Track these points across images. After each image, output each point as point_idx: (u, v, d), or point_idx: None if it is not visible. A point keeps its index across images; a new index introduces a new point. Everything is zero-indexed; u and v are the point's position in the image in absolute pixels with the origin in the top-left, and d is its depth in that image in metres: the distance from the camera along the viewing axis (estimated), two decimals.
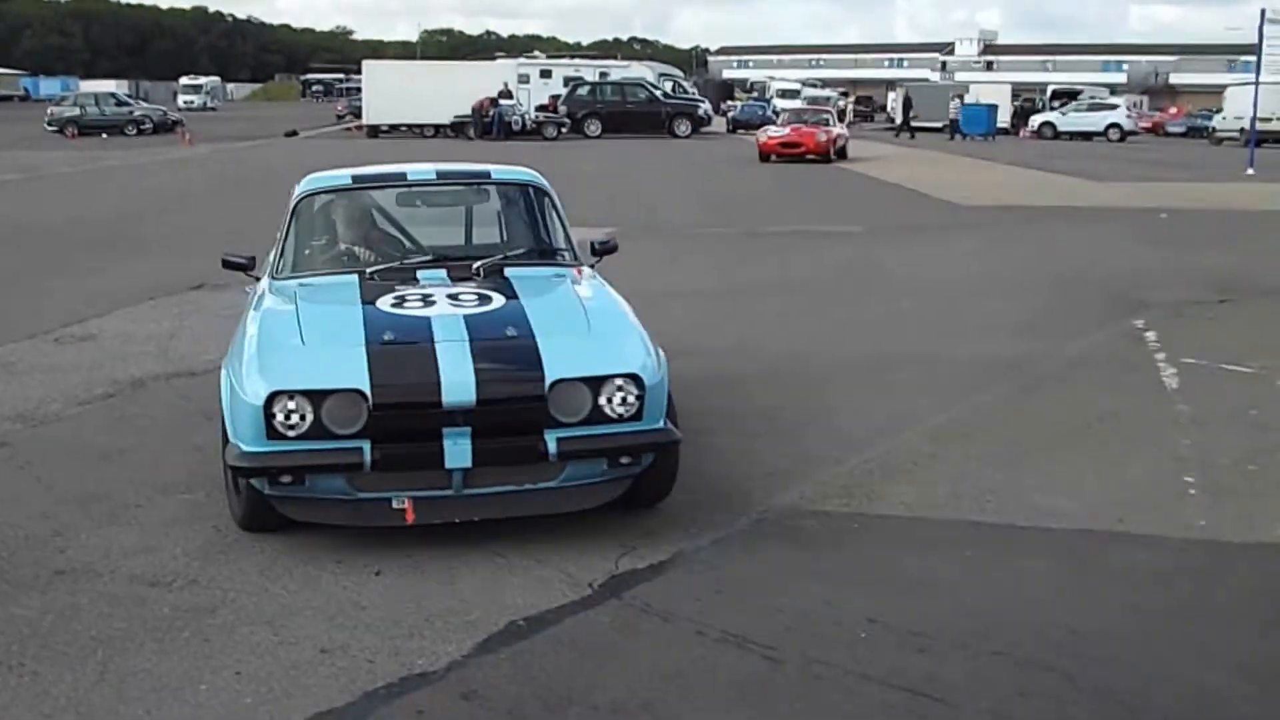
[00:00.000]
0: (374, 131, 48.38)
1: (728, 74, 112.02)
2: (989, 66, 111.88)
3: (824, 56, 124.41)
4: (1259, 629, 4.98)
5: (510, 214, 7.54)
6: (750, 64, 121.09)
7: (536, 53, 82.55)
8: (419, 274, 6.55)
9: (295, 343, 5.78)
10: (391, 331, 5.73)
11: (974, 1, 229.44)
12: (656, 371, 5.73)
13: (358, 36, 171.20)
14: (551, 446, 5.48)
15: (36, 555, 5.64)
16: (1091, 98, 61.83)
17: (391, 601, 5.17)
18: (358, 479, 5.47)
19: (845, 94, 74.79)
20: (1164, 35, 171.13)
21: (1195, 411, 8.21)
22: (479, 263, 6.69)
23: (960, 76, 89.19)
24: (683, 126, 48.58)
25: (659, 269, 14.29)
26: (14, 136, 46.81)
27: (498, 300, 6.14)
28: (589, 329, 5.95)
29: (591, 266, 7.22)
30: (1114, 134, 55.11)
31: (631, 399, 5.56)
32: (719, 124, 57.54)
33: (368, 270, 6.62)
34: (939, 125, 55.25)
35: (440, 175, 7.54)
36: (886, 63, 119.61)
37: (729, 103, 68.51)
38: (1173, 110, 70.05)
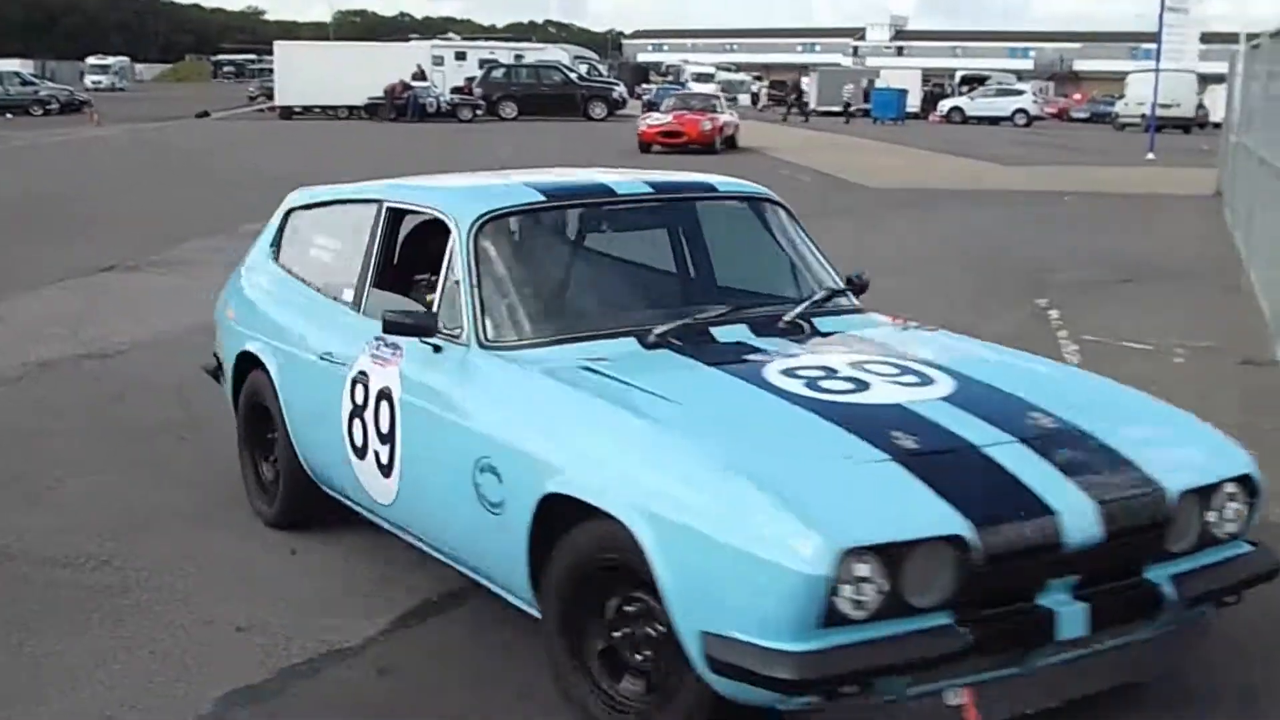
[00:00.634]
0: (287, 113, 47.94)
1: (643, 57, 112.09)
2: (899, 52, 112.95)
3: (738, 41, 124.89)
4: None
5: (750, 239, 5.60)
6: (665, 48, 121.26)
7: (451, 35, 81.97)
8: (713, 330, 4.74)
9: (778, 465, 3.65)
10: (902, 433, 3.88)
11: None
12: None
13: (270, 17, 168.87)
14: (1167, 589, 3.83)
15: None
16: (999, 84, 62.68)
17: (310, 579, 5.23)
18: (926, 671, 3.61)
19: (759, 78, 75.21)
20: (1069, 23, 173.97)
21: None
22: (791, 313, 4.93)
23: (871, 61, 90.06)
24: (598, 109, 48.61)
25: None
26: None
27: (934, 372, 4.42)
28: (1130, 415, 4.29)
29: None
30: (1020, 119, 55.95)
31: (1243, 510, 4.03)
32: (635, 107, 57.71)
33: (653, 332, 4.60)
34: (852, 110, 55.86)
35: (655, 188, 5.41)
36: (800, 47, 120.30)
37: (644, 86, 68.63)
38: (1077, 96, 71.22)
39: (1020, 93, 59.76)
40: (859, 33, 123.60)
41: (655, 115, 34.27)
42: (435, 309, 4.79)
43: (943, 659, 3.53)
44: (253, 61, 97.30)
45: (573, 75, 51.23)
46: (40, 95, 52.41)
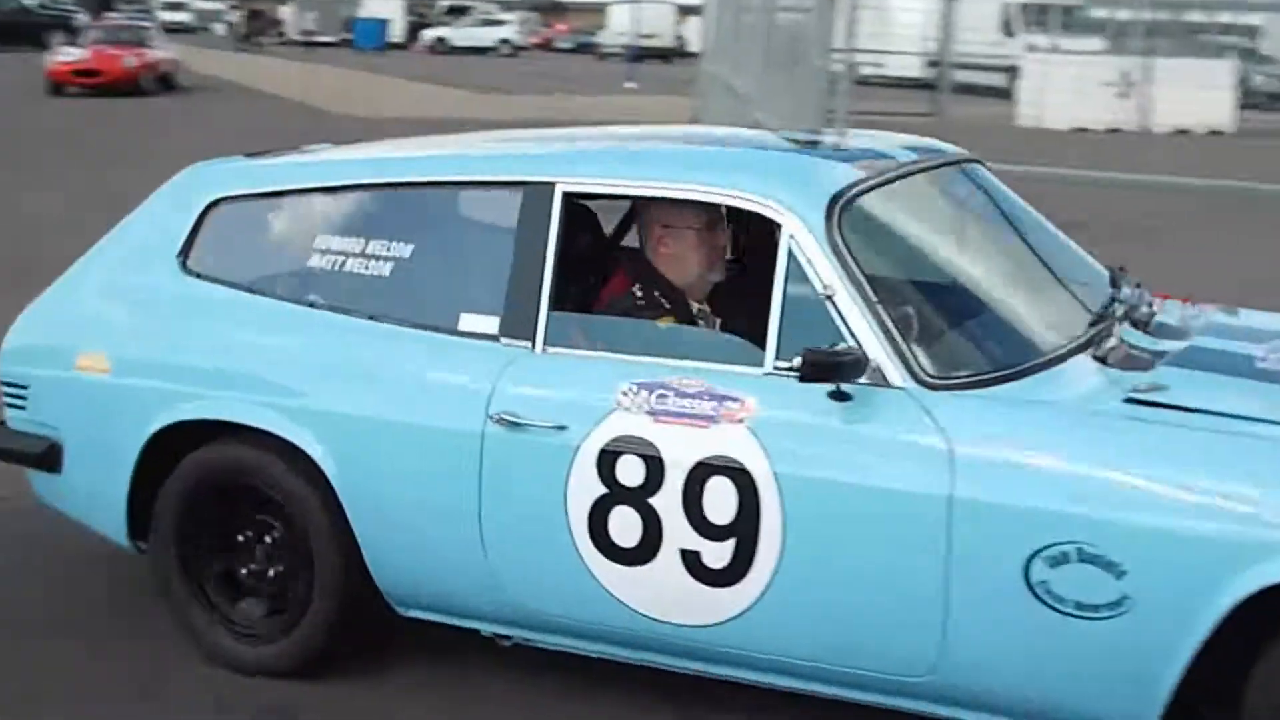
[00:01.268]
0: None
1: None
2: None
3: None
4: None
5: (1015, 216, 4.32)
6: None
7: None
8: (1124, 332, 3.77)
9: None
10: None
11: None
12: None
13: None
14: None
15: None
16: (483, 14, 63.34)
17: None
18: None
19: (236, 7, 72.39)
20: None
21: None
22: (1150, 304, 4.06)
23: None
24: (59, 37, 45.52)
25: None
26: None
27: None
28: None
29: None
30: (505, 49, 56.85)
31: None
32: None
33: (1103, 344, 3.62)
34: (331, 39, 55.19)
35: (920, 152, 4.21)
36: None
37: (109, 14, 64.71)
38: (561, 27, 73.03)
39: (504, 22, 60.67)
40: None
41: (70, 50, 28.45)
42: (770, 337, 3.43)
43: None
44: None
45: (28, 2, 47.91)
46: None
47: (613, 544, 3.49)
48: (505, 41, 57.57)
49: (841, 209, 3.49)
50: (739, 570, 3.35)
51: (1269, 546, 2.92)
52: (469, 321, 3.75)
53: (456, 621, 3.89)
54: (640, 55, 40.18)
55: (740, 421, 3.35)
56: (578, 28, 68.75)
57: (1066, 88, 24.21)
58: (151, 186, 4.51)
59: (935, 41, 26.89)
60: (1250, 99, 26.32)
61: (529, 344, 3.65)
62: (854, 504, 3.27)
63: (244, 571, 4.07)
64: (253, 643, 4.05)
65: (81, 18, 49.09)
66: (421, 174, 4.12)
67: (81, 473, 4.20)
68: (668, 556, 3.43)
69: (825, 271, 3.39)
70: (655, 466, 3.41)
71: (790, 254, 3.43)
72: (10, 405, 4.30)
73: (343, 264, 3.98)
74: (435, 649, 4.12)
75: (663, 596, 3.49)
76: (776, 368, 3.37)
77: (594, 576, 3.54)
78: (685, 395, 3.42)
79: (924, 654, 3.27)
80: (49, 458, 4.21)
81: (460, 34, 58.43)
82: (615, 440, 3.46)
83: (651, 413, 3.43)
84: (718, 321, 3.94)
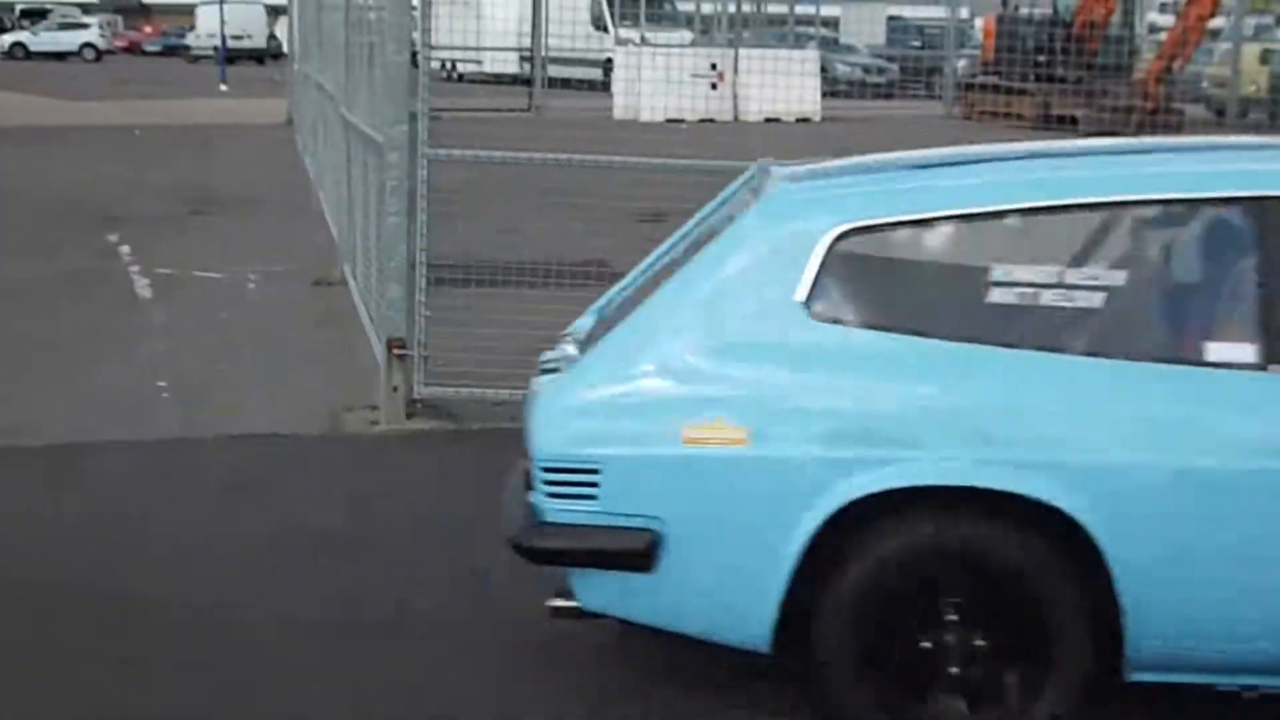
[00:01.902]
0: None
1: None
2: None
3: None
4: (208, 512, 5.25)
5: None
6: None
7: None
8: None
9: None
10: None
11: None
12: None
13: None
14: None
15: None
16: (63, 16, 60.15)
17: None
18: None
19: None
20: None
21: (168, 319, 8.39)
22: None
23: None
24: None
25: None
26: None
27: None
28: None
29: None
30: (89, 54, 54.16)
31: None
32: None
33: None
34: None
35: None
36: None
37: None
38: (148, 29, 70.07)
39: (87, 26, 57.83)
40: None
41: None
42: None
43: None
44: None
45: None
46: None
47: None
48: (89, 45, 54.79)
49: None
50: None
51: None
52: (1219, 351, 3.43)
53: (1193, 679, 3.52)
54: (232, 57, 38.92)
55: None
56: (165, 30, 66.10)
57: (659, 80, 24.76)
58: None
59: (528, 37, 27.24)
60: (832, 87, 27.74)
61: None
62: None
63: (950, 668, 3.42)
64: None
65: None
66: (1124, 192, 3.60)
67: (697, 571, 3.46)
68: None
69: None
70: None
71: None
72: (557, 496, 3.49)
73: (1036, 296, 3.47)
74: None
75: None
76: None
77: None
78: None
79: None
80: (640, 556, 3.44)
81: (39, 39, 55.36)
82: None
83: None
84: None
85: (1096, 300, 3.42)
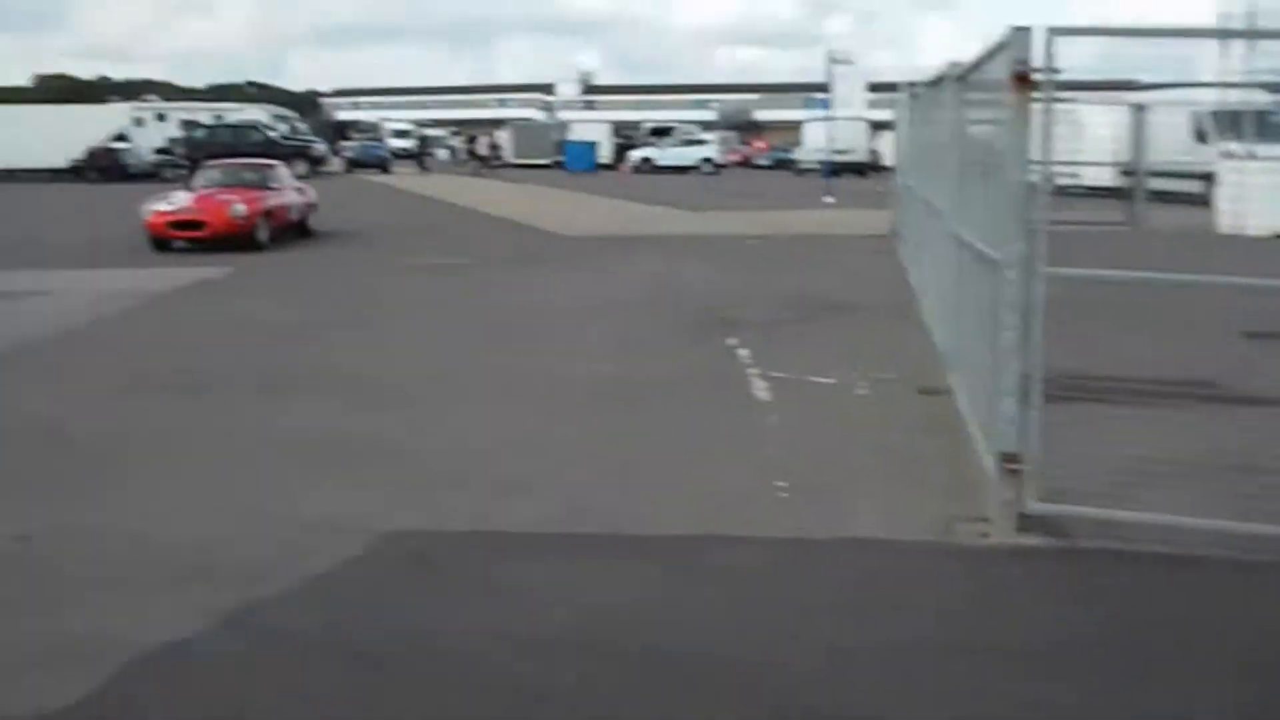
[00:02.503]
0: None
1: (342, 115, 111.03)
2: (589, 105, 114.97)
3: (434, 98, 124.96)
4: (843, 616, 5.49)
5: None
6: (363, 105, 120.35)
7: (152, 96, 79.90)
8: None
9: None
10: None
11: (570, 44, 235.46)
12: None
13: None
14: None
15: None
16: (685, 134, 64.68)
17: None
18: None
19: (457, 133, 75.41)
20: (747, 75, 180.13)
21: (784, 421, 8.85)
22: None
23: (563, 115, 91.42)
24: (300, 166, 48.55)
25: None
26: None
27: None
28: None
29: None
30: (707, 167, 57.98)
31: None
32: (337, 164, 58.29)
33: None
34: (545, 162, 57.76)
35: None
36: (494, 103, 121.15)
37: (344, 143, 68.41)
38: (759, 144, 73.96)
39: (705, 142, 61.92)
40: (549, 88, 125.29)
41: (178, 196, 22.74)
42: None
43: None
44: None
45: (273, 134, 52.09)
46: None
47: None
48: (707, 160, 58.88)
49: None
50: None
51: None
52: None
53: None
54: (836, 170, 40.44)
55: None
56: (774, 145, 69.61)
57: (1265, 194, 23.97)
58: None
59: (1128, 150, 26.87)
60: None
61: None
62: None
63: None
64: None
65: (320, 147, 52.69)
66: None
67: None
68: None
69: None
70: None
71: None
72: None
73: None
74: None
75: None
76: None
77: None
78: None
79: None
80: None
81: (664, 154, 60.11)
82: None
83: None
84: None
85: None
